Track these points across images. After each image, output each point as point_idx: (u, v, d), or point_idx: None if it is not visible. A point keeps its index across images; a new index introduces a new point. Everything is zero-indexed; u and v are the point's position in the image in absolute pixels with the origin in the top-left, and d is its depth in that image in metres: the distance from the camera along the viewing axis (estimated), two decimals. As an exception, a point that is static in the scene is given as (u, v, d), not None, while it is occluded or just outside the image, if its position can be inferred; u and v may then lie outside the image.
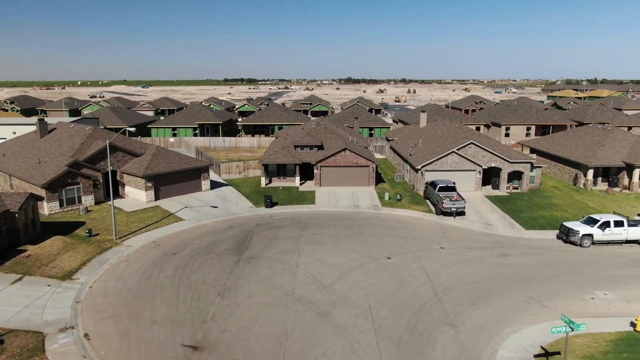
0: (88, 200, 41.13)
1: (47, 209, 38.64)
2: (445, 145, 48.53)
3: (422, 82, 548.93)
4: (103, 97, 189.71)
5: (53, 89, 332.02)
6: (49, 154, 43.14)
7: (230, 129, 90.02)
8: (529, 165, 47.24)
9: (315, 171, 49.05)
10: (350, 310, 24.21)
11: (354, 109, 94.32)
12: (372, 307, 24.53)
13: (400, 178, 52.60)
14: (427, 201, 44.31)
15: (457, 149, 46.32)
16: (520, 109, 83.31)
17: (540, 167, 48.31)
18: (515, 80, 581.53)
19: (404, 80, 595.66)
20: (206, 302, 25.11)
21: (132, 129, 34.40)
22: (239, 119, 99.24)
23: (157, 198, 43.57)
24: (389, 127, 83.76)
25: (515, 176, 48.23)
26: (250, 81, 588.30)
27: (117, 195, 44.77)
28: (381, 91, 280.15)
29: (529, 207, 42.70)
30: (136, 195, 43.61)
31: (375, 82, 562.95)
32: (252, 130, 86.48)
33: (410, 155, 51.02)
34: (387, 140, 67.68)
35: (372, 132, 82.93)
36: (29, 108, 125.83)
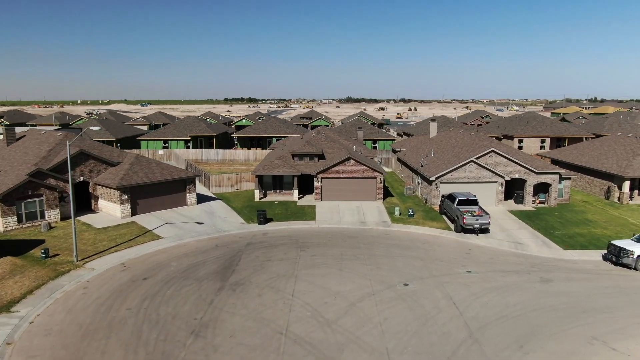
0: (53, 215, 35.59)
1: (2, 225, 33.07)
2: (461, 155, 43.24)
3: (422, 101, 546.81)
4: (99, 113, 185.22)
5: (52, 107, 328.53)
6: (12, 163, 37.81)
7: (225, 142, 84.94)
8: (557, 176, 41.85)
9: (316, 183, 43.65)
10: (362, 356, 18.47)
11: (356, 122, 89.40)
12: (391, 351, 18.80)
13: (410, 191, 47.14)
14: (444, 216, 38.82)
15: (476, 158, 41.01)
16: (533, 121, 78.29)
17: (569, 178, 42.91)
18: (514, 100, 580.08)
19: (403, 100, 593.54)
20: (174, 343, 19.38)
21: (96, 128, 29.16)
22: (235, 133, 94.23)
23: (134, 213, 38.04)
24: (394, 140, 78.68)
25: (541, 189, 42.80)
26: (251, 100, 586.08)
27: (90, 209, 39.30)
28: (382, 109, 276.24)
29: (562, 223, 37.16)
30: (110, 210, 38.07)
31: (375, 101, 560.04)
32: (248, 143, 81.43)
33: (422, 166, 45.69)
34: (394, 151, 62.48)
35: (376, 144, 77.84)
36: (18, 122, 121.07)
